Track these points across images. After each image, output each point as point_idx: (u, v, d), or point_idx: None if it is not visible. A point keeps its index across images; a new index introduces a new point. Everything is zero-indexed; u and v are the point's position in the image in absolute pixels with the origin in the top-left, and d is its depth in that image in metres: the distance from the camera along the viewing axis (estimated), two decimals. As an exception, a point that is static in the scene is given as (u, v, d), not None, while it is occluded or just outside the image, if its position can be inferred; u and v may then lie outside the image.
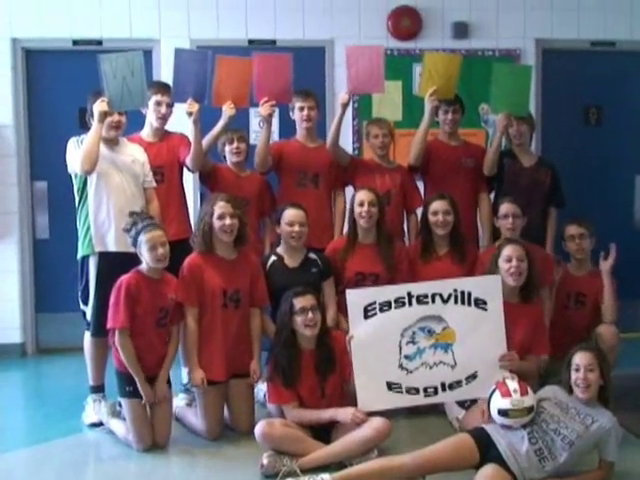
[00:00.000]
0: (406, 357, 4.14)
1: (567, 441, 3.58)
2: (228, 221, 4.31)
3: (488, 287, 4.21)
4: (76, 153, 4.50)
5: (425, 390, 4.16)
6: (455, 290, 4.17)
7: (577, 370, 3.69)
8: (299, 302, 4.10)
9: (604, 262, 4.79)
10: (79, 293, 4.68)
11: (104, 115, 4.48)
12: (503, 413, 3.67)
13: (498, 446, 3.59)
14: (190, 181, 5.63)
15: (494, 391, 3.79)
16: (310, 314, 4.08)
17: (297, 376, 4.11)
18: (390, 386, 4.13)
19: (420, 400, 4.20)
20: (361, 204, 4.73)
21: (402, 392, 4.14)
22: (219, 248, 4.39)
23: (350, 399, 4.10)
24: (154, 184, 4.78)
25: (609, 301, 4.75)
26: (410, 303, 4.15)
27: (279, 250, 4.74)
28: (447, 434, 3.82)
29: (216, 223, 4.32)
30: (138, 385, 4.15)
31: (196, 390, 4.38)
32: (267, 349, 4.39)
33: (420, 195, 5.29)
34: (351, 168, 5.22)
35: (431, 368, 4.15)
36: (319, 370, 4.14)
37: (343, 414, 4.00)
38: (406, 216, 5.30)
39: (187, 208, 5.13)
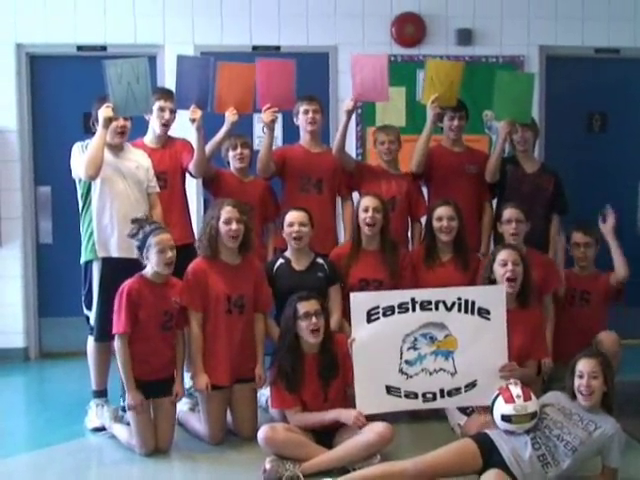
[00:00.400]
0: (407, 362, 4.16)
1: (570, 447, 3.58)
2: (234, 226, 4.30)
3: (492, 297, 4.23)
4: (80, 158, 4.50)
5: (424, 395, 4.18)
6: (459, 298, 4.19)
7: (581, 377, 3.68)
8: (303, 307, 4.10)
9: (604, 225, 4.85)
10: (83, 298, 4.68)
11: (109, 121, 4.48)
12: (506, 419, 3.67)
13: (501, 451, 3.58)
14: (193, 186, 5.64)
15: (497, 397, 3.79)
16: (314, 319, 4.08)
17: (300, 381, 4.11)
18: (389, 390, 4.16)
19: (418, 405, 4.22)
20: (365, 210, 4.73)
21: (401, 396, 4.17)
22: (224, 253, 4.39)
23: (353, 403, 4.09)
24: (158, 189, 4.79)
25: (619, 258, 4.81)
26: (413, 309, 4.17)
27: (287, 253, 4.75)
28: (449, 440, 3.82)
29: (222, 228, 4.31)
30: (126, 390, 4.15)
31: (199, 395, 4.38)
32: (269, 353, 4.39)
33: (425, 203, 5.27)
34: (357, 174, 5.22)
35: (431, 374, 4.18)
36: (322, 375, 4.14)
37: (346, 415, 4.01)
38: (410, 224, 5.29)
39: (189, 214, 5.13)
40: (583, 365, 3.69)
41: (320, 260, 4.73)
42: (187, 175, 5.01)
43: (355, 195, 5.22)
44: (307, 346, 4.15)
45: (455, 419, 4.41)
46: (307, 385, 4.12)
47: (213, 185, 5.05)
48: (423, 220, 5.13)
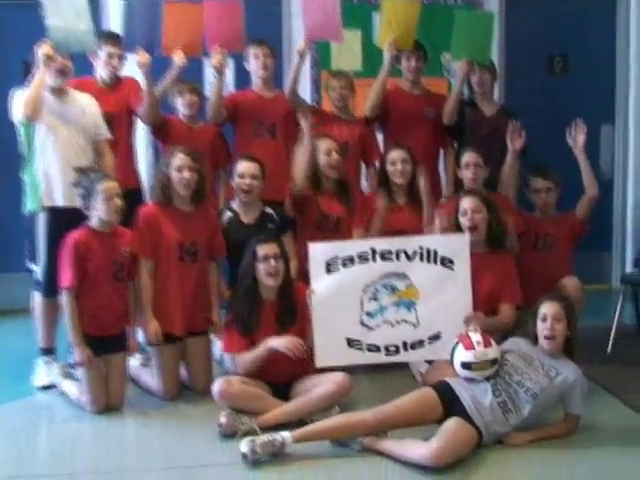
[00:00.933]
0: (367, 314, 4.11)
1: (531, 393, 3.53)
2: (187, 174, 4.20)
3: (455, 246, 4.16)
4: (20, 101, 4.32)
5: (386, 349, 4.13)
6: (420, 247, 4.12)
7: (544, 320, 3.63)
8: (262, 249, 3.99)
9: (574, 141, 4.77)
10: (26, 252, 4.53)
11: (48, 58, 4.28)
12: (466, 366, 3.60)
13: (462, 400, 3.52)
14: (141, 131, 5.45)
15: (457, 344, 3.71)
16: (273, 262, 3.97)
17: (256, 326, 3.99)
18: (350, 342, 4.10)
19: (381, 358, 4.16)
20: (328, 153, 4.65)
21: (362, 349, 4.11)
22: (177, 200, 4.28)
23: (310, 353, 4.00)
24: (108, 136, 4.64)
25: (588, 176, 4.74)
26: (374, 259, 4.11)
27: (234, 206, 4.63)
28: (410, 388, 3.74)
29: (175, 175, 4.21)
30: (74, 346, 4.01)
31: (151, 349, 4.28)
32: (224, 307, 4.28)
33: (379, 148, 5.22)
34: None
35: (393, 326, 4.12)
36: (279, 321, 4.04)
37: (278, 341, 3.89)
38: (365, 169, 5.26)
39: (136, 158, 5.04)
40: (547, 308, 3.64)
41: (269, 210, 4.64)
42: (137, 120, 4.92)
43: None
44: (266, 292, 4.04)
45: (416, 367, 4.38)
46: (263, 331, 3.99)
47: (161, 132, 4.93)
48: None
